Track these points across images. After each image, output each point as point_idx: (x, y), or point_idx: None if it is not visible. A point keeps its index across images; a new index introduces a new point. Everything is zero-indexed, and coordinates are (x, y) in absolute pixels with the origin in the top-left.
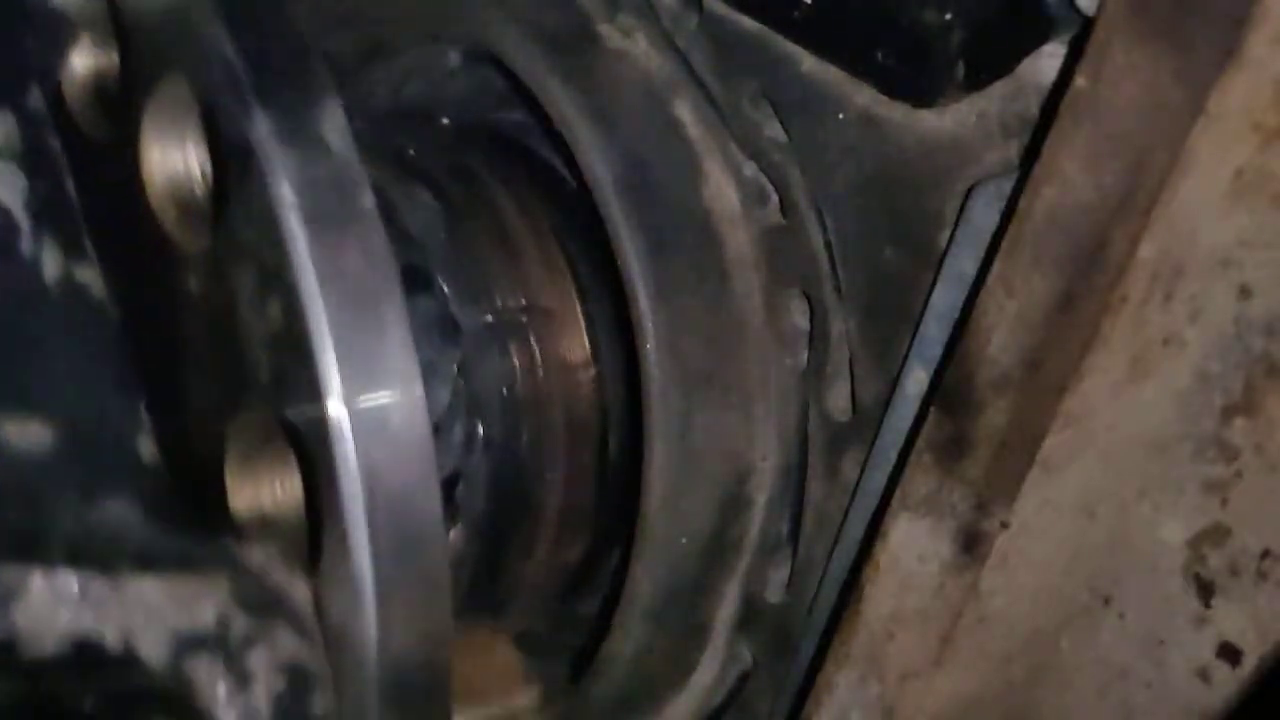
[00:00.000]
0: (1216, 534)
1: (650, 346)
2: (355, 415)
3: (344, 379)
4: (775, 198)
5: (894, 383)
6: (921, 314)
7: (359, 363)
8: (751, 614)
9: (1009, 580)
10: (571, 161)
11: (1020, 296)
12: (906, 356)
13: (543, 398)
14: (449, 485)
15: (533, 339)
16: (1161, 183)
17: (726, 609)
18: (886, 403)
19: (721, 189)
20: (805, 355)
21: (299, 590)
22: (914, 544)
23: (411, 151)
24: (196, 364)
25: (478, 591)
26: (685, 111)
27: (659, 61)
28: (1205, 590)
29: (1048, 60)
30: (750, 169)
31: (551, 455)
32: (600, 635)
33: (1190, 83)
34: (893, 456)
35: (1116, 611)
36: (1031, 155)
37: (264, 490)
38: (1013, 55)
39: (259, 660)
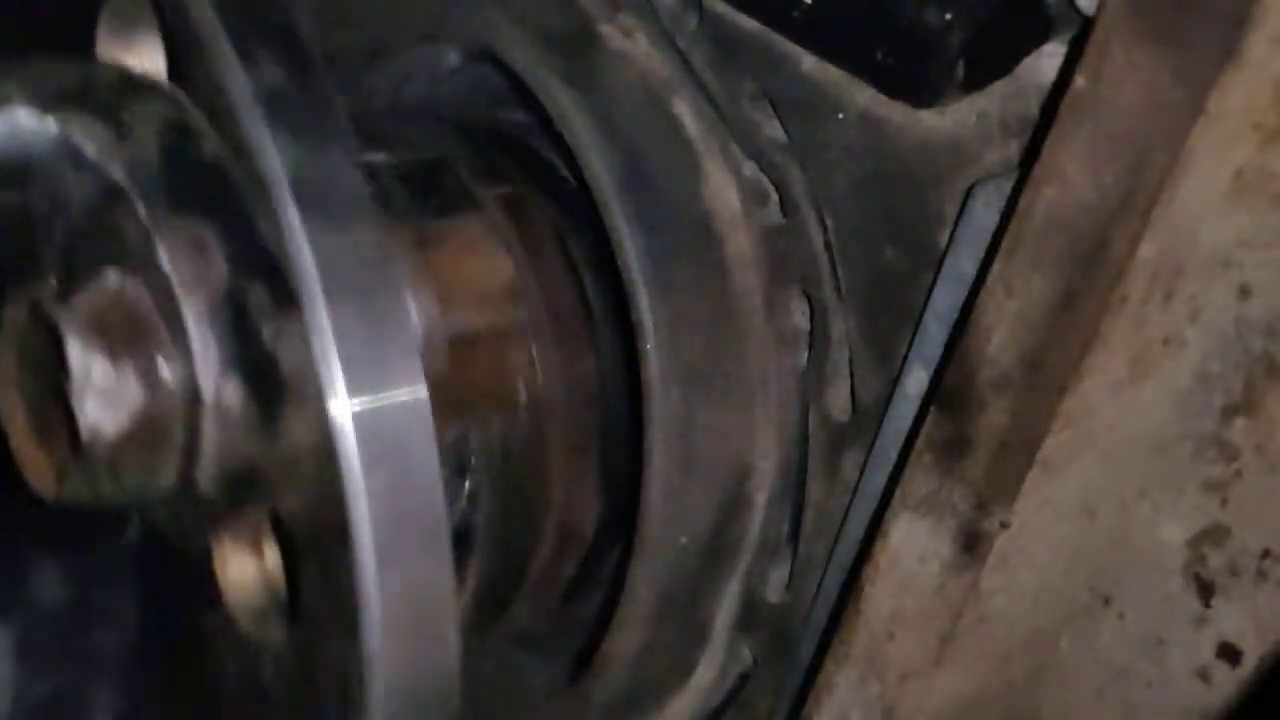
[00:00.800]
0: (1216, 534)
1: (650, 346)
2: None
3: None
4: (775, 197)
5: (894, 382)
6: (921, 313)
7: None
8: (751, 614)
9: (1009, 580)
10: (572, 161)
11: (1020, 296)
12: (906, 356)
13: (543, 400)
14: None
15: (534, 348)
16: (1161, 182)
17: (726, 609)
18: (887, 402)
19: (721, 189)
20: (805, 355)
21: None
22: (914, 544)
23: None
24: None
25: (475, 599)
26: (685, 111)
27: (659, 61)
28: (1205, 590)
29: (1048, 60)
30: (750, 169)
31: (552, 456)
32: (600, 635)
33: (1190, 82)
34: (893, 456)
35: (1116, 611)
36: (1031, 155)
37: None
38: (1013, 55)
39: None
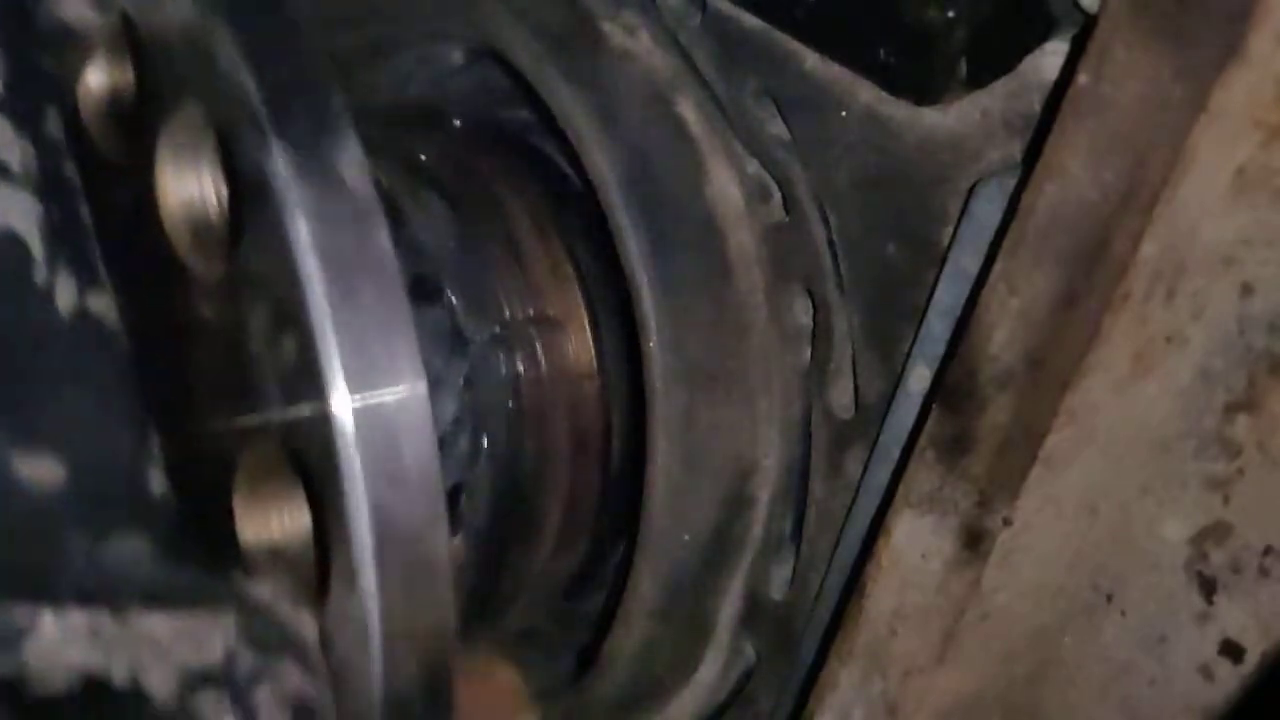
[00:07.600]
0: (1218, 531)
1: (653, 344)
2: (359, 418)
3: (356, 421)
4: (778, 195)
5: (897, 380)
6: (924, 311)
7: (370, 395)
8: (755, 611)
9: (1011, 577)
10: (575, 159)
11: (1023, 293)
12: (909, 353)
13: (548, 404)
14: (452, 496)
15: (539, 347)
16: (1163, 180)
17: (729, 606)
18: (889, 400)
19: (725, 186)
20: (808, 352)
21: (306, 626)
22: (917, 541)
23: (422, 156)
24: (207, 391)
25: (478, 597)
26: (688, 109)
27: (662, 59)
28: (1207, 587)
29: (1050, 58)
30: (753, 166)
31: (555, 461)
32: (603, 633)
33: (1192, 80)
34: (896, 453)
35: (1119, 608)
36: (1034, 152)
37: (272, 521)
38: (1015, 53)
39: (264, 696)
